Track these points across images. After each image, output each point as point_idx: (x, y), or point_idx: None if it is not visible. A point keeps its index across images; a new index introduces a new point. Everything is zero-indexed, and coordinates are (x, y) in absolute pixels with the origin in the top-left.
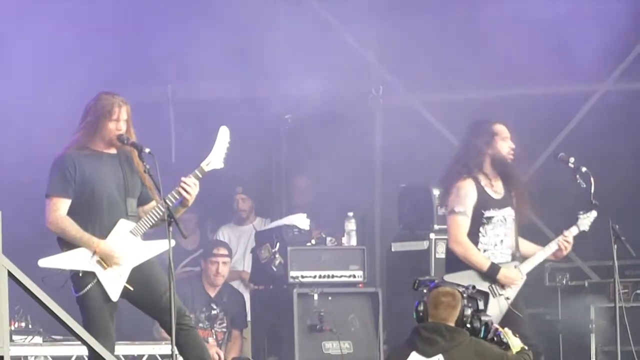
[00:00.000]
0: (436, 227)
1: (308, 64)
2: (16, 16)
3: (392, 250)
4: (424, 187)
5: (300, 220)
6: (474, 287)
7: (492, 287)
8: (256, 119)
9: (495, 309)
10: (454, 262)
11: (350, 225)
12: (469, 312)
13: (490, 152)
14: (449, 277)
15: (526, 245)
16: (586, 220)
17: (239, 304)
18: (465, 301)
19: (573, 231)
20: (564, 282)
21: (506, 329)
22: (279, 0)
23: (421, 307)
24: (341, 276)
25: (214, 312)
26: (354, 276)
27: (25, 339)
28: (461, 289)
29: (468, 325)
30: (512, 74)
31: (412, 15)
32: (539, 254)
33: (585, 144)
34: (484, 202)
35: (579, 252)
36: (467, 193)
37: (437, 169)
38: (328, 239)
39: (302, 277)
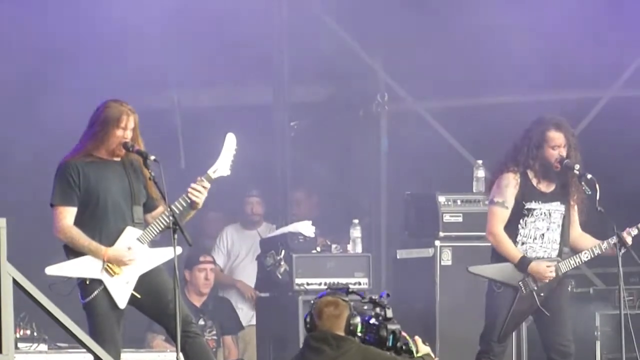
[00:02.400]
0: (441, 234)
1: (314, 71)
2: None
3: (398, 257)
4: (429, 194)
5: (306, 228)
6: (388, 294)
7: (521, 283)
8: (261, 126)
9: (525, 304)
10: (495, 255)
11: (356, 233)
12: (357, 320)
13: (538, 155)
14: (472, 269)
15: (588, 241)
16: None
17: (226, 310)
18: (372, 307)
19: (633, 232)
20: (569, 289)
21: (416, 337)
22: (285, 8)
23: (308, 319)
24: (346, 283)
25: (201, 322)
26: (359, 283)
27: (31, 346)
28: (347, 298)
29: (359, 334)
30: (518, 81)
31: (418, 21)
32: (584, 254)
33: (591, 151)
34: (526, 194)
35: None
36: (508, 184)
37: (442, 176)
38: (333, 246)
39: (308, 284)
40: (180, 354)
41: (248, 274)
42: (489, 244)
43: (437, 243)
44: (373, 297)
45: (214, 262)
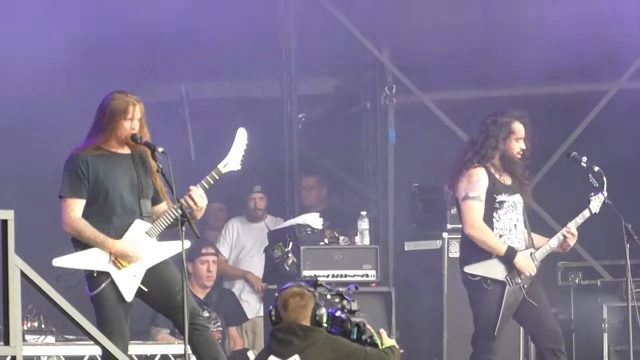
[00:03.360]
0: (449, 226)
1: (321, 63)
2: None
3: (405, 249)
4: (436, 186)
5: (314, 220)
6: (356, 287)
7: (508, 277)
8: (269, 118)
9: (512, 298)
10: (471, 253)
11: (363, 225)
12: (322, 311)
13: (502, 148)
14: (468, 269)
15: (536, 238)
16: (597, 202)
17: (229, 301)
18: (340, 300)
19: (585, 214)
20: (577, 281)
21: (381, 330)
22: (292, 0)
23: (273, 311)
24: (354, 275)
25: (205, 314)
26: (367, 275)
27: (38, 338)
28: (312, 289)
29: (325, 325)
30: (525, 73)
31: (425, 13)
32: (552, 240)
33: (598, 143)
34: (495, 188)
35: (592, 251)
36: (479, 178)
37: (450, 168)
38: (341, 238)
39: (315, 276)
40: (188, 347)
41: (254, 267)
42: (461, 237)
43: (445, 235)
44: (340, 290)
45: (216, 253)
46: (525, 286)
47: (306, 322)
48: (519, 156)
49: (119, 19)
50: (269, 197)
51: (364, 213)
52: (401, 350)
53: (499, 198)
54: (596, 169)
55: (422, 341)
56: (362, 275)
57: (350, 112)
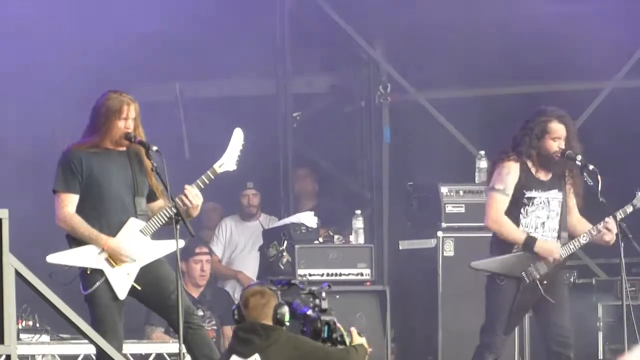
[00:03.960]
0: (444, 225)
1: (316, 63)
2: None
3: (400, 248)
4: (431, 184)
5: (308, 218)
6: (329, 285)
7: (524, 273)
8: (264, 117)
9: (528, 294)
10: (498, 246)
11: (358, 223)
12: (284, 310)
13: (537, 146)
14: (474, 265)
15: (586, 227)
16: None
17: (224, 300)
18: (312, 299)
19: (627, 210)
20: (572, 279)
21: (352, 328)
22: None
23: (236, 311)
24: (349, 274)
25: (200, 312)
26: (362, 274)
27: (33, 337)
28: (274, 287)
29: (287, 323)
30: (520, 72)
31: (420, 12)
32: (582, 237)
33: (593, 142)
34: (526, 183)
35: (587, 250)
36: (509, 172)
37: (444, 167)
38: (336, 237)
39: (310, 275)
40: (182, 345)
41: (248, 266)
42: (491, 235)
43: (440, 234)
44: (312, 289)
45: (209, 253)
46: (545, 282)
47: (267, 321)
48: (557, 156)
49: (115, 18)
50: (263, 196)
51: (358, 212)
52: (370, 349)
53: (529, 194)
54: (591, 167)
55: (417, 340)
56: (357, 274)
57: (345, 110)
